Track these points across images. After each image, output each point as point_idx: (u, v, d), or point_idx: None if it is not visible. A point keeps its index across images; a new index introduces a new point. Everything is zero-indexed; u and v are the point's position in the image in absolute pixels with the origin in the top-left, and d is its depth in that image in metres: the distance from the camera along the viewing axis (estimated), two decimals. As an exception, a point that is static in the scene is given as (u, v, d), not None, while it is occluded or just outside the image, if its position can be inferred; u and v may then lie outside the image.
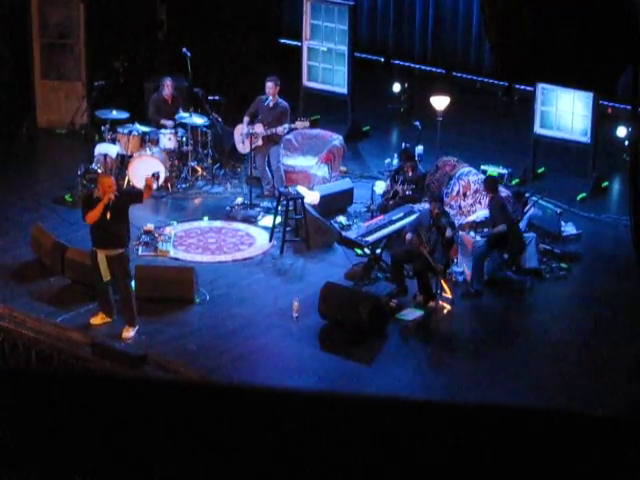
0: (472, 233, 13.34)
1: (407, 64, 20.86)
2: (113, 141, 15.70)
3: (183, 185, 15.77)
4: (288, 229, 14.07)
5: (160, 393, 2.92)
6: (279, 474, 2.79)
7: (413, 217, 13.32)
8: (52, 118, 17.90)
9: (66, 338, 11.76)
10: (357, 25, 19.23)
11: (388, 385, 10.97)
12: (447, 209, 13.52)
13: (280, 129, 15.15)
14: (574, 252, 13.99)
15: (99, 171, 15.12)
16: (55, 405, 2.88)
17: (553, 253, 13.88)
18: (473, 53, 20.25)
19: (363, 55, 20.19)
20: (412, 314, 12.39)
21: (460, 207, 14.39)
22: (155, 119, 16.02)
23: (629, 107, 16.03)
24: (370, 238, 12.97)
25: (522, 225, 13.64)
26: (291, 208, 14.15)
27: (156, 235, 13.96)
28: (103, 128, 15.79)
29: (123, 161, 15.56)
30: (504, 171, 16.02)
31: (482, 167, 15.89)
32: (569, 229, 14.46)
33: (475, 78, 20.17)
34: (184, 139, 15.78)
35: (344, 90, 17.93)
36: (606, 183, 16.07)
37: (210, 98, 16.21)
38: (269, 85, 15.27)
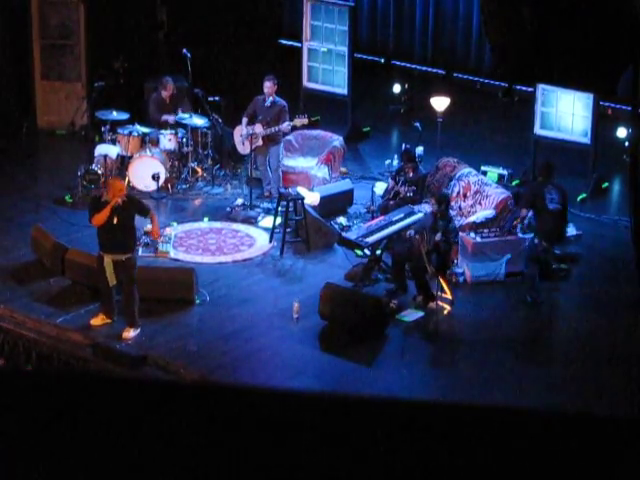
0: (472, 234, 13.35)
1: (407, 65, 20.87)
2: (113, 142, 15.70)
3: (183, 186, 15.77)
4: (288, 230, 14.07)
5: (160, 394, 2.92)
6: (279, 475, 2.79)
7: (415, 217, 13.34)
8: (52, 119, 17.90)
9: (66, 339, 11.77)
10: (357, 26, 19.24)
11: (388, 386, 10.97)
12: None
13: (283, 126, 15.12)
14: (574, 253, 13.99)
15: (100, 172, 15.13)
16: (55, 406, 2.88)
17: (553, 254, 13.87)
18: (473, 54, 20.25)
19: (363, 56, 20.20)
20: (412, 315, 12.39)
21: (460, 208, 14.39)
22: (156, 118, 16.00)
23: (629, 108, 16.04)
24: (370, 239, 12.97)
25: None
26: (291, 209, 14.15)
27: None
28: (103, 129, 15.79)
29: (123, 162, 15.56)
30: (504, 172, 16.03)
31: (482, 168, 15.90)
32: (569, 230, 14.45)
33: (475, 79, 20.18)
34: (184, 140, 15.79)
35: (344, 91, 17.93)
36: (606, 184, 16.07)
37: (210, 99, 16.21)
38: (267, 84, 15.26)
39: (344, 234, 13.66)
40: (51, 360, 11.58)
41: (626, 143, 16.45)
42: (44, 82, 18.03)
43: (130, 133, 15.61)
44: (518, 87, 18.99)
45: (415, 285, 12.64)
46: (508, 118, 18.72)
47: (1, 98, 17.66)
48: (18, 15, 17.77)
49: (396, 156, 16.01)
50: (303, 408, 2.84)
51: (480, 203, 14.30)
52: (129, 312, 11.82)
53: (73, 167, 15.47)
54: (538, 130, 16.21)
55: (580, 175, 15.84)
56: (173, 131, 15.71)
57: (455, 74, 20.38)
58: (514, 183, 15.89)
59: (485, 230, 13.48)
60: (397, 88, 19.37)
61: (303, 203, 14.17)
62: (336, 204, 15.10)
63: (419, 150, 15.94)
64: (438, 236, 12.47)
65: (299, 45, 18.54)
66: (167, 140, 15.64)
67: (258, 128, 15.19)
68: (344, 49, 17.82)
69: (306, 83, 18.29)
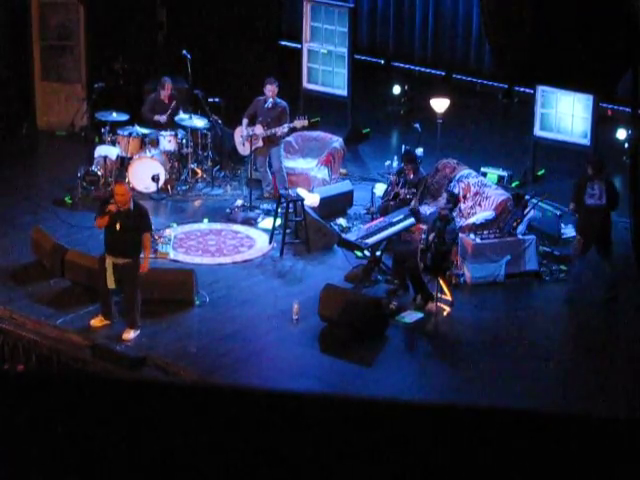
0: (472, 235, 13.35)
1: (407, 66, 20.88)
2: (113, 143, 15.70)
3: (183, 187, 15.77)
4: (288, 231, 14.07)
5: (160, 395, 2.92)
6: (279, 476, 2.79)
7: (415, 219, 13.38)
8: (52, 120, 17.91)
9: (66, 340, 11.76)
10: (357, 27, 19.24)
11: (388, 387, 10.97)
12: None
13: (280, 130, 15.14)
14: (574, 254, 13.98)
15: (99, 173, 15.13)
16: (55, 407, 2.88)
17: (553, 255, 13.89)
18: (473, 55, 20.26)
19: (363, 57, 20.20)
20: (412, 316, 12.39)
21: (460, 209, 14.39)
22: (148, 116, 15.99)
23: (629, 109, 16.03)
24: (370, 240, 12.97)
25: (522, 228, 13.64)
26: (291, 210, 14.15)
27: (156, 237, 13.95)
28: (103, 130, 15.79)
29: (123, 163, 15.56)
30: (504, 173, 16.03)
31: (482, 169, 15.90)
32: (569, 231, 14.45)
33: (475, 80, 20.18)
34: (184, 141, 15.79)
35: (344, 92, 17.93)
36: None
37: (210, 100, 16.21)
38: (268, 87, 15.27)
39: (344, 235, 13.67)
40: (51, 361, 11.58)
41: (626, 144, 16.45)
42: (44, 83, 18.03)
43: (130, 134, 15.61)
44: (518, 88, 19.00)
45: (412, 285, 12.65)
46: (508, 119, 18.73)
47: (1, 99, 17.67)
48: (18, 16, 17.77)
49: (396, 157, 16.01)
50: (303, 409, 2.84)
51: (480, 204, 14.30)
52: (129, 314, 11.83)
53: (73, 168, 15.46)
54: (538, 131, 16.21)
55: (580, 177, 15.81)
56: (173, 132, 15.71)
57: (455, 75, 20.39)
58: (514, 184, 15.90)
59: (485, 231, 13.49)
60: (397, 89, 19.38)
61: (303, 204, 14.17)
62: (336, 205, 15.10)
63: (419, 151, 15.93)
64: (432, 236, 12.49)
65: (299, 46, 18.54)
66: (167, 141, 15.64)
67: (258, 129, 15.19)
68: (344, 50, 17.82)
69: (306, 84, 18.29)
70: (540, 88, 15.85)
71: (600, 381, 11.21)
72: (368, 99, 19.06)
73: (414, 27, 20.75)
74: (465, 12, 20.06)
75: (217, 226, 14.73)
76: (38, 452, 2.84)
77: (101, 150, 15.48)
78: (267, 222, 14.64)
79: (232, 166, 16.41)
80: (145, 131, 15.75)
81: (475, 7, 19.45)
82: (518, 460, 2.77)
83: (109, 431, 2.83)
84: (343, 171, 16.35)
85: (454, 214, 13.58)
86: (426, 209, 14.08)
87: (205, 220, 14.85)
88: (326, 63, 18.10)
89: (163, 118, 15.85)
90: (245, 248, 14.11)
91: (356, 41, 18.52)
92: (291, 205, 14.15)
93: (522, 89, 18.65)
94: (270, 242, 14.16)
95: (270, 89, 15.24)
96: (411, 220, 13.36)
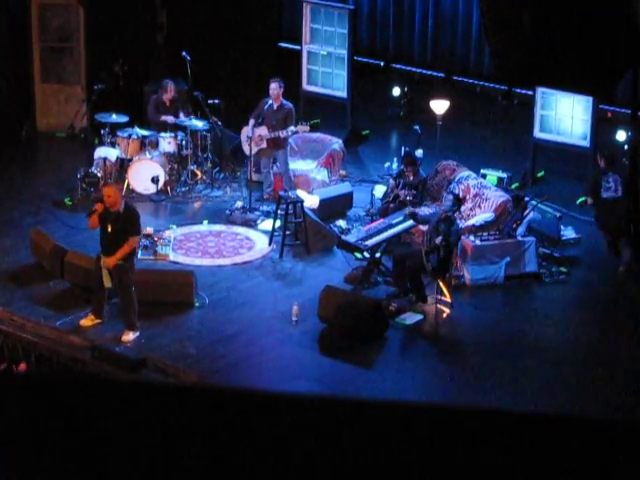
0: (472, 237, 13.35)
1: (407, 68, 20.87)
2: (113, 145, 15.70)
3: (182, 189, 15.76)
4: (288, 233, 14.07)
5: (159, 397, 2.92)
6: (278, 478, 2.79)
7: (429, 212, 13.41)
8: (52, 122, 17.91)
9: (65, 341, 11.76)
10: (357, 29, 19.23)
11: (388, 389, 10.97)
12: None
13: (283, 133, 15.11)
14: (573, 256, 14.00)
15: (99, 174, 15.13)
16: (54, 408, 2.87)
17: (552, 257, 13.89)
18: (473, 57, 20.25)
19: (363, 59, 20.20)
20: (412, 318, 12.39)
21: (460, 211, 14.38)
22: (154, 119, 16.00)
23: (629, 111, 16.01)
24: (370, 242, 12.97)
25: (522, 229, 13.64)
26: (291, 212, 14.15)
27: (155, 239, 13.96)
28: (103, 132, 15.79)
29: (123, 165, 15.56)
30: (504, 175, 16.03)
31: (482, 171, 15.89)
32: (568, 233, 14.46)
33: (475, 82, 20.18)
34: (184, 143, 15.78)
35: (344, 94, 17.93)
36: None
37: (210, 101, 16.21)
38: (273, 87, 15.24)
39: (343, 237, 13.66)
40: (50, 363, 11.57)
41: (625, 146, 16.44)
42: (44, 85, 18.04)
43: (129, 136, 15.61)
44: (518, 90, 18.99)
45: (410, 284, 12.64)
46: (508, 121, 18.72)
47: (1, 100, 17.67)
48: (18, 18, 17.78)
49: (395, 159, 16.00)
50: (302, 411, 2.84)
51: (479, 206, 14.31)
52: (126, 316, 11.84)
53: (73, 170, 15.47)
54: (537, 133, 16.22)
55: (579, 178, 15.84)
56: (172, 134, 15.71)
57: (455, 77, 20.38)
58: (513, 186, 15.89)
59: (484, 233, 13.49)
60: (397, 91, 19.38)
61: (302, 206, 14.17)
62: (335, 207, 15.09)
63: (418, 153, 15.92)
64: (439, 239, 12.47)
65: (299, 48, 18.54)
66: (166, 143, 15.63)
67: (263, 130, 15.18)
68: (344, 52, 17.82)
69: (306, 86, 18.29)
70: (540, 90, 15.86)
71: (600, 382, 11.20)
72: (368, 101, 19.06)
73: (414, 29, 20.75)
74: (465, 13, 20.05)
75: (217, 228, 14.73)
76: (37, 453, 2.84)
77: (101, 152, 15.48)
78: (267, 224, 14.64)
79: (232, 168, 16.41)
80: (145, 133, 15.75)
81: (475, 8, 19.44)
82: (518, 462, 2.77)
83: (108, 433, 2.83)
84: (342, 173, 16.35)
85: (455, 215, 13.58)
86: (426, 210, 14.07)
87: (205, 222, 14.84)
88: (326, 65, 18.11)
89: (170, 119, 15.85)
90: (245, 250, 14.11)
91: (356, 43, 18.52)
92: (291, 207, 14.15)
93: (522, 91, 18.64)
94: (270, 244, 14.16)
95: (274, 88, 15.19)
96: (411, 222, 13.36)
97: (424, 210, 14.04)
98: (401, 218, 13.41)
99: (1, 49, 17.73)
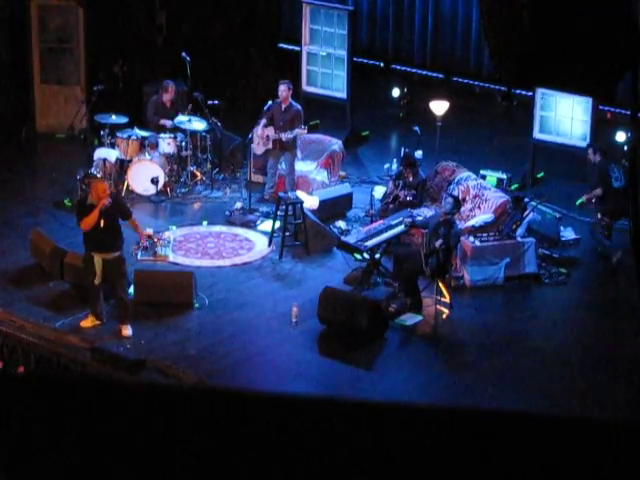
0: (471, 238, 13.35)
1: (406, 69, 20.87)
2: (112, 145, 15.70)
3: (182, 190, 15.76)
4: (287, 234, 14.06)
5: (159, 398, 2.91)
6: (278, 479, 2.78)
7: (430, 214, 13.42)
8: (51, 123, 17.91)
9: (65, 343, 11.76)
10: (356, 30, 19.24)
11: (387, 390, 10.96)
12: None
13: (285, 135, 15.06)
14: (573, 257, 14.00)
15: (99, 175, 15.11)
16: (54, 410, 2.87)
17: (552, 258, 13.88)
18: (472, 58, 20.25)
19: (362, 60, 20.20)
20: (411, 319, 12.39)
21: (459, 212, 14.38)
22: (153, 121, 16.01)
23: (628, 112, 16.02)
24: (369, 243, 12.97)
25: (521, 230, 13.65)
26: (290, 213, 14.15)
27: (155, 240, 13.95)
28: (102, 132, 15.78)
29: (122, 166, 15.55)
30: (503, 176, 16.03)
31: (481, 172, 15.89)
32: (568, 234, 14.46)
33: (474, 83, 20.17)
34: (183, 144, 15.78)
35: (343, 95, 17.93)
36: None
37: (209, 102, 16.21)
38: (282, 88, 15.24)
39: (343, 238, 13.66)
40: (50, 364, 11.57)
41: (625, 147, 16.44)
42: (43, 86, 18.04)
43: (129, 137, 15.61)
44: (517, 91, 18.99)
45: (405, 287, 12.63)
46: (507, 122, 18.72)
47: (0, 102, 17.67)
48: (17, 19, 17.77)
49: (395, 160, 16.00)
50: (302, 412, 2.84)
51: (479, 207, 14.31)
52: (124, 309, 11.98)
53: (72, 171, 15.46)
54: (537, 134, 16.22)
55: (579, 179, 15.83)
56: (172, 135, 15.71)
57: (454, 78, 20.37)
58: (513, 187, 15.89)
59: (484, 234, 13.49)
60: (396, 92, 19.38)
61: (302, 207, 14.17)
62: (335, 208, 15.09)
63: (418, 154, 15.93)
64: (439, 242, 12.46)
65: (298, 49, 18.54)
66: (166, 144, 15.63)
67: (270, 131, 15.19)
68: (343, 53, 17.82)
69: (305, 87, 18.29)
70: (539, 91, 15.86)
71: (600, 383, 11.20)
72: (367, 102, 19.06)
73: (413, 30, 20.74)
74: (464, 14, 20.05)
75: (216, 229, 14.73)
76: (37, 454, 2.84)
77: (100, 153, 15.47)
78: (266, 224, 14.63)
79: (231, 169, 16.40)
80: (144, 134, 15.75)
81: (474, 9, 19.44)
82: (518, 462, 2.77)
83: (108, 434, 2.83)
84: (342, 174, 16.34)
85: (454, 217, 13.58)
86: (425, 212, 14.07)
87: (204, 223, 14.84)
88: (325, 66, 18.11)
89: (169, 123, 15.84)
90: (244, 251, 14.11)
91: (355, 44, 18.52)
92: (290, 208, 14.15)
93: (521, 92, 18.64)
94: (269, 245, 14.16)
95: (282, 90, 15.20)
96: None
97: (424, 211, 14.03)
98: (400, 219, 13.41)
99: (1, 50, 17.72)
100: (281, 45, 21.03)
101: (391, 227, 13.29)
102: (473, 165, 15.78)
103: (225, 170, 16.36)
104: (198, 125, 15.83)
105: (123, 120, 15.96)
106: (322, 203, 14.85)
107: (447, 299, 12.62)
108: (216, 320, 12.34)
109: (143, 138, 15.67)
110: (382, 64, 21.10)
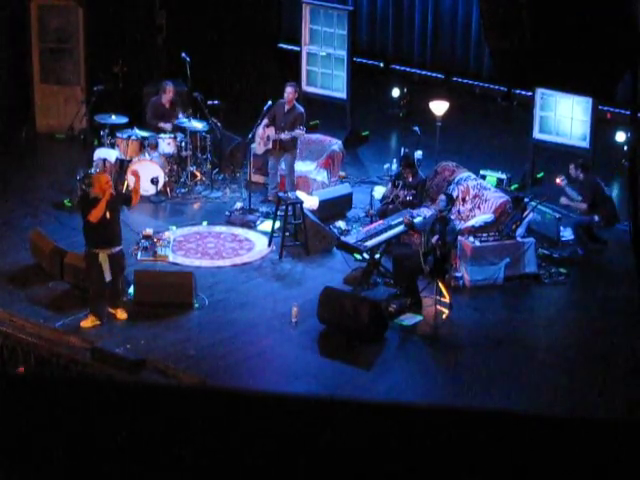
0: (471, 238, 13.35)
1: (406, 69, 20.87)
2: (112, 146, 15.70)
3: (182, 190, 15.76)
4: (287, 234, 14.06)
5: (159, 398, 2.91)
6: (278, 479, 2.78)
7: (415, 221, 13.38)
8: (51, 123, 17.90)
9: (65, 343, 11.76)
10: (356, 30, 19.24)
11: (387, 390, 10.97)
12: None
13: (284, 135, 15.06)
14: (573, 257, 13.99)
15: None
16: (53, 410, 2.87)
17: (552, 258, 13.88)
18: (472, 58, 20.25)
19: (362, 60, 20.20)
20: (411, 319, 12.39)
21: (459, 212, 14.39)
22: (153, 123, 16.01)
23: (628, 112, 16.02)
24: (369, 243, 12.97)
25: (521, 230, 13.64)
26: (290, 213, 14.15)
27: (155, 240, 13.96)
28: (102, 133, 15.79)
29: (122, 166, 15.55)
30: (503, 176, 16.03)
31: (481, 172, 15.90)
32: (568, 234, 14.46)
33: (474, 83, 20.17)
34: (183, 144, 15.78)
35: (343, 95, 17.94)
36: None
37: (209, 103, 16.21)
38: (288, 90, 15.26)
39: (343, 238, 13.66)
40: (50, 364, 11.57)
41: (625, 147, 16.45)
42: (43, 86, 18.03)
43: (129, 137, 15.61)
44: (517, 91, 19.00)
45: (405, 287, 12.63)
46: (507, 122, 18.72)
47: (0, 102, 17.66)
48: (17, 19, 17.77)
49: (395, 160, 16.00)
50: (302, 412, 2.84)
51: (479, 207, 14.31)
52: (119, 297, 12.22)
53: (72, 171, 15.46)
54: (537, 134, 16.22)
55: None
56: (172, 135, 15.72)
57: (454, 78, 20.38)
58: (513, 187, 15.89)
59: (484, 234, 13.49)
60: (396, 92, 19.38)
61: (302, 207, 14.17)
62: (335, 208, 15.09)
63: (418, 154, 15.94)
64: (435, 238, 12.49)
65: (298, 49, 18.54)
66: (166, 144, 15.63)
67: (271, 131, 15.19)
68: (343, 53, 17.82)
69: (305, 87, 18.29)
70: (539, 91, 15.86)
71: (600, 383, 11.20)
72: (367, 102, 19.05)
73: (413, 30, 20.74)
74: (464, 15, 20.05)
75: (216, 229, 14.72)
76: (37, 454, 2.84)
77: (100, 153, 15.47)
78: (266, 225, 14.63)
79: (231, 169, 16.40)
80: (144, 134, 15.75)
81: (474, 9, 19.45)
82: (518, 462, 2.77)
83: (108, 434, 2.83)
84: (342, 174, 16.34)
85: (452, 215, 13.59)
86: (425, 212, 14.07)
87: (204, 223, 14.84)
88: (325, 66, 18.11)
89: (168, 126, 15.85)
90: (244, 251, 14.11)
91: (355, 44, 18.52)
92: (290, 208, 14.15)
93: (521, 92, 18.65)
94: (269, 245, 14.16)
95: (289, 92, 15.22)
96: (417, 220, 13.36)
97: (423, 211, 14.03)
98: (400, 219, 13.41)
99: (1, 50, 17.72)
100: (281, 45, 21.03)
101: (391, 227, 13.30)
102: (473, 165, 15.78)
103: (225, 170, 16.36)
104: (198, 125, 15.83)
105: (123, 120, 15.96)
106: (322, 203, 14.85)
107: (447, 299, 12.62)
108: (216, 320, 12.34)
109: (143, 138, 15.67)
110: (382, 64, 21.11)
